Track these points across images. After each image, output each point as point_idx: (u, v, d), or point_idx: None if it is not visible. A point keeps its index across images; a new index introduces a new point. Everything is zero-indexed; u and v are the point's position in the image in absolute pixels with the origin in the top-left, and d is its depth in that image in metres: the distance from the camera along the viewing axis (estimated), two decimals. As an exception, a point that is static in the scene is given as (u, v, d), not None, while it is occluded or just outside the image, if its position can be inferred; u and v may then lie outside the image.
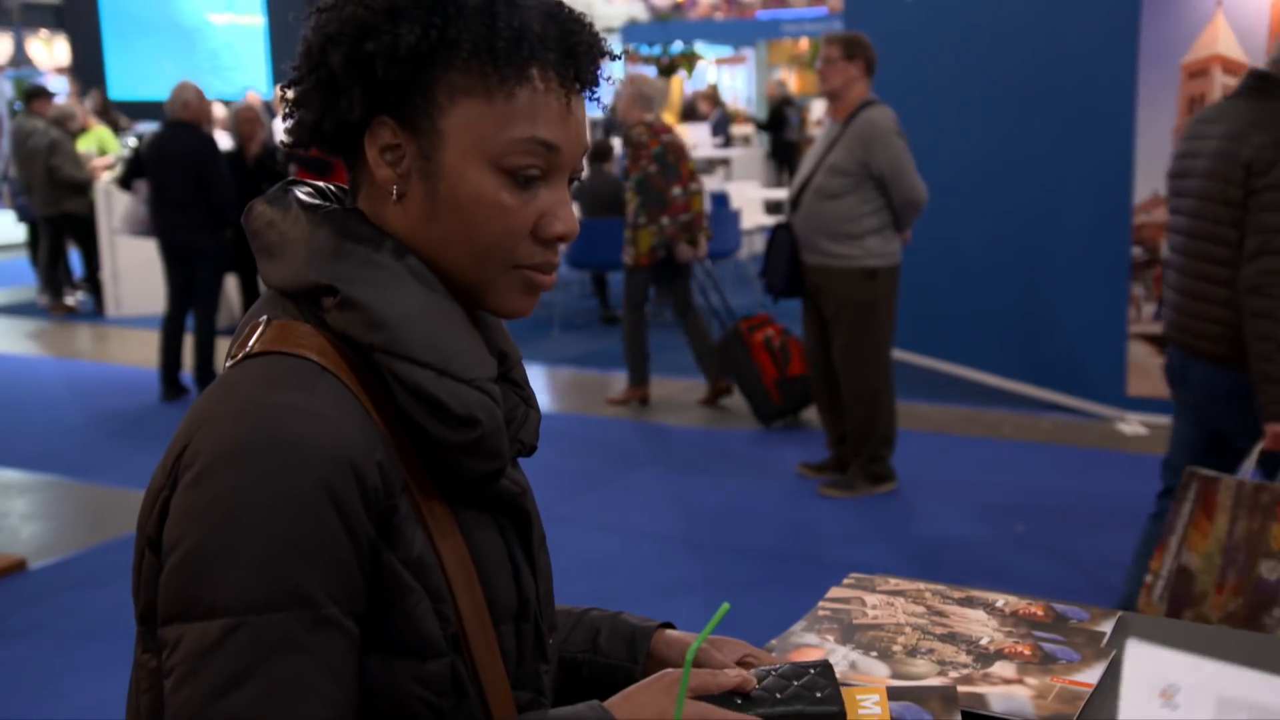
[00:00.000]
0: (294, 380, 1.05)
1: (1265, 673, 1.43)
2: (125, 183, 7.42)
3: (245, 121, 7.67)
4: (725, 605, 1.05)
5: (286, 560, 0.99)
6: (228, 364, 1.10)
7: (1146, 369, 6.19)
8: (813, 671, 1.32)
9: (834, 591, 1.72)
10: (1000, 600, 1.67)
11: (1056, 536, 4.66)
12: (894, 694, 1.34)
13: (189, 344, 6.97)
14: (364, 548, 1.03)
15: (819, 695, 1.29)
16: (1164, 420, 6.13)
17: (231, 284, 8.23)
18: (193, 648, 0.98)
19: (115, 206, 8.88)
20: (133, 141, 10.59)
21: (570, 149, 1.14)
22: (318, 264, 1.09)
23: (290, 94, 1.14)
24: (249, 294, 7.98)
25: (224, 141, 8.11)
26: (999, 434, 6.19)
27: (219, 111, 10.63)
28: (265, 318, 1.11)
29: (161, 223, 6.81)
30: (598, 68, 1.16)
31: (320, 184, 1.22)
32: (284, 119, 1.17)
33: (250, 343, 1.10)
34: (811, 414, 6.03)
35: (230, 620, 0.98)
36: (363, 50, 1.08)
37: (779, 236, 5.14)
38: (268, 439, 1.01)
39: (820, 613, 1.64)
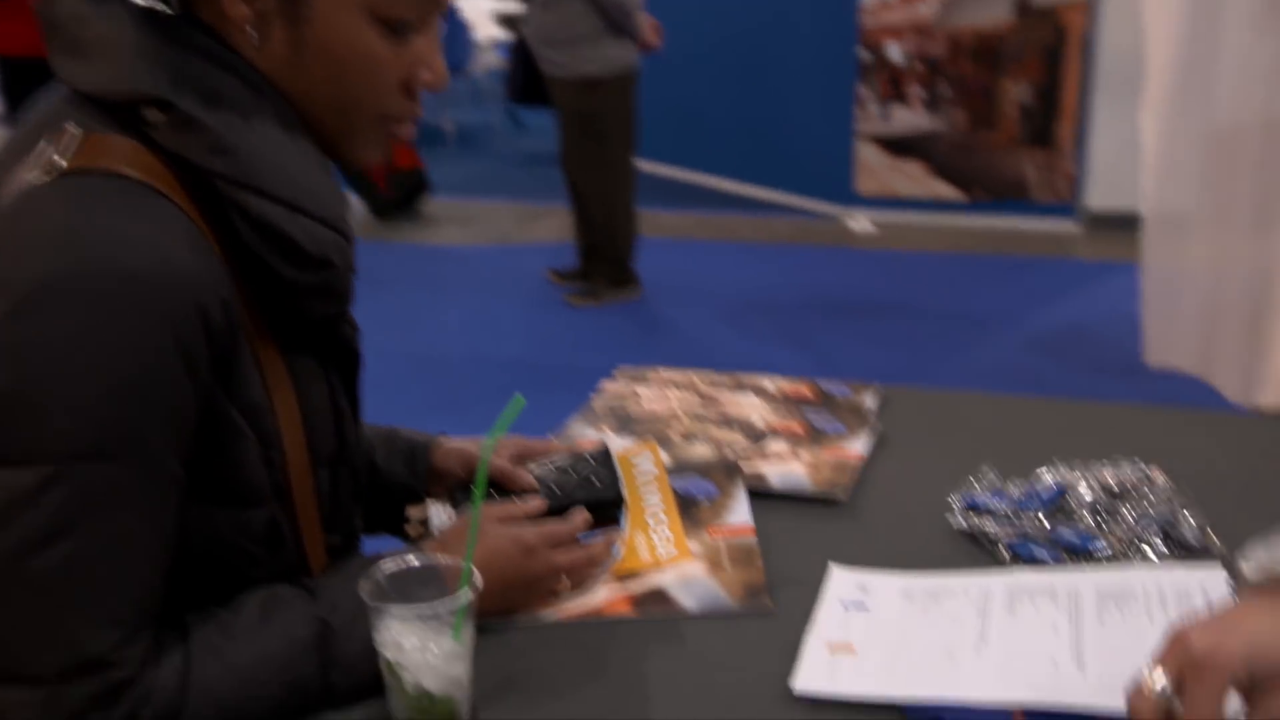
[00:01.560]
0: (126, 204, 0.91)
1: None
2: None
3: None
4: (518, 398, 1.02)
5: (123, 406, 0.89)
6: (28, 177, 0.93)
7: (874, 169, 6.43)
8: (591, 460, 1.32)
9: (606, 385, 1.72)
10: (768, 383, 1.71)
11: (797, 329, 4.84)
12: (678, 469, 1.36)
13: None
14: (202, 393, 0.94)
15: (598, 484, 1.29)
16: (891, 218, 6.45)
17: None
18: (5, 495, 0.88)
19: None
20: None
21: None
22: (147, 71, 0.94)
23: None
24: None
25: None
26: (737, 237, 6.34)
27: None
28: (74, 127, 0.95)
29: None
30: None
31: None
32: None
33: (59, 156, 0.93)
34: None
35: (51, 469, 0.87)
36: None
37: (518, 47, 5.16)
38: (100, 270, 0.88)
39: (595, 406, 1.64)
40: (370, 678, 0.99)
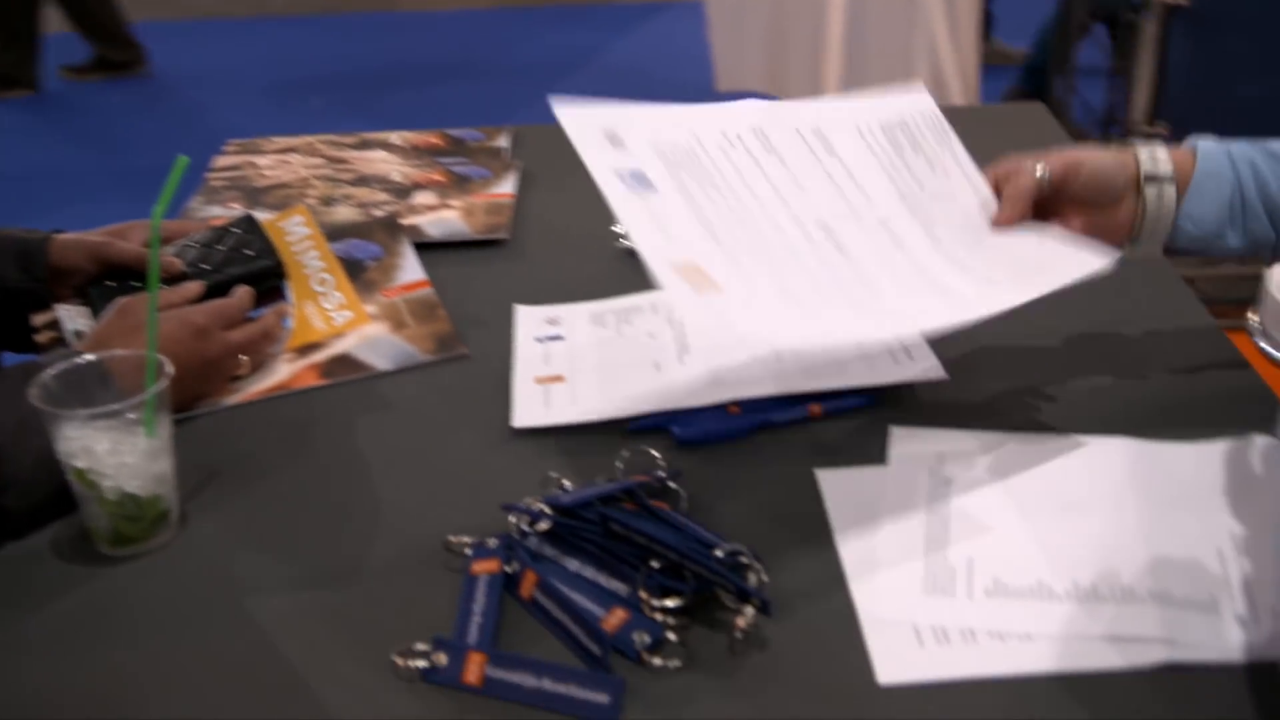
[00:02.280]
0: None
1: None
2: None
3: None
4: (181, 159, 0.90)
5: None
6: None
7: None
8: (236, 230, 1.22)
9: (218, 161, 1.58)
10: (395, 137, 1.63)
11: (358, 99, 4.63)
12: (334, 234, 1.28)
13: None
14: None
15: (251, 253, 1.20)
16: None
17: None
18: None
19: None
20: None
21: None
22: None
23: None
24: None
25: None
26: (267, 11, 5.92)
27: None
28: None
29: None
30: None
31: None
32: None
33: None
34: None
35: None
36: None
37: None
38: None
39: (214, 183, 1.50)
40: (49, 497, 0.89)
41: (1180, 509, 0.87)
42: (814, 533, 0.88)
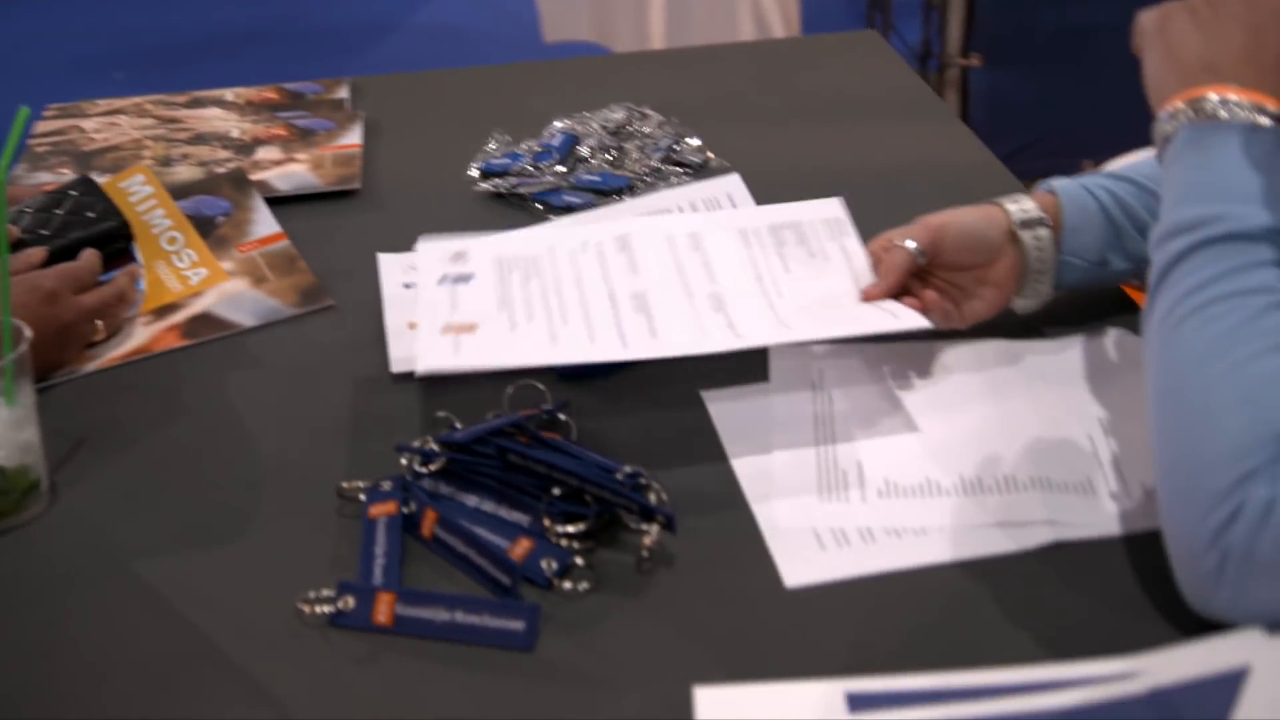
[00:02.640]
0: None
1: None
2: None
3: None
4: (23, 109, 0.85)
5: None
6: None
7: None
8: (73, 192, 1.17)
9: (38, 127, 1.50)
10: (229, 94, 1.57)
11: (164, 71, 4.44)
12: (179, 192, 1.23)
13: None
14: None
15: (92, 215, 1.15)
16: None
17: None
18: None
19: None
20: None
21: None
22: None
23: None
24: None
25: None
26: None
27: None
28: None
29: None
30: None
31: None
32: None
33: None
34: None
35: None
36: None
37: None
38: None
39: (38, 149, 1.43)
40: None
41: (1050, 401, 0.92)
42: (706, 453, 0.90)
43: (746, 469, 0.87)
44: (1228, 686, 0.65)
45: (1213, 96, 0.79)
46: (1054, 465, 0.85)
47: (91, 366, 1.02)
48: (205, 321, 1.08)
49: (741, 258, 1.02)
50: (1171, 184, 0.81)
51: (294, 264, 1.15)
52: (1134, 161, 1.02)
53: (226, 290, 1.12)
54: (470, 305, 1.00)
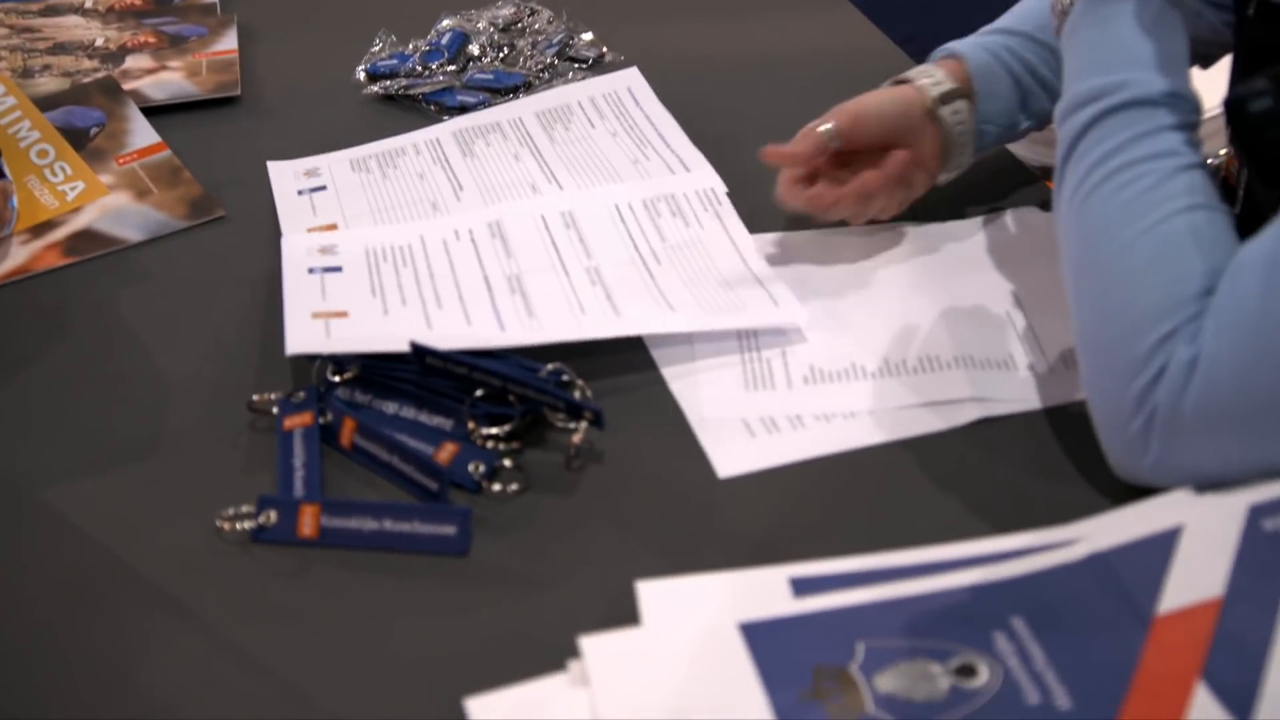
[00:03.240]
0: None
1: None
2: None
3: None
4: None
5: None
6: None
7: None
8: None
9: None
10: (89, 0, 1.48)
11: None
12: (46, 104, 1.16)
13: None
14: None
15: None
16: None
17: None
18: None
19: None
20: None
21: None
22: None
23: None
24: None
25: None
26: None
27: None
28: None
29: None
30: None
31: None
32: None
33: None
34: None
35: None
36: None
37: None
38: None
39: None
40: None
41: (966, 280, 0.92)
42: (626, 351, 0.88)
43: (670, 364, 0.86)
44: (1162, 547, 0.66)
45: None
46: (975, 343, 0.86)
47: (-34, 290, 0.96)
48: (88, 238, 1.02)
49: (618, 231, 0.99)
50: (1071, 55, 0.81)
51: (178, 175, 1.10)
52: (1022, 9, 1.01)
53: (108, 205, 1.06)
54: (340, 294, 0.92)
